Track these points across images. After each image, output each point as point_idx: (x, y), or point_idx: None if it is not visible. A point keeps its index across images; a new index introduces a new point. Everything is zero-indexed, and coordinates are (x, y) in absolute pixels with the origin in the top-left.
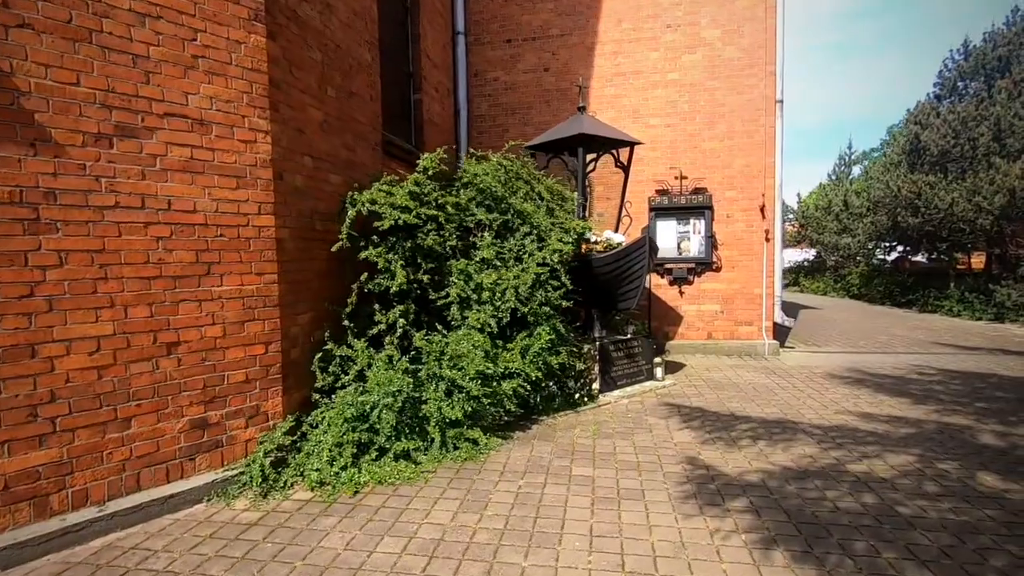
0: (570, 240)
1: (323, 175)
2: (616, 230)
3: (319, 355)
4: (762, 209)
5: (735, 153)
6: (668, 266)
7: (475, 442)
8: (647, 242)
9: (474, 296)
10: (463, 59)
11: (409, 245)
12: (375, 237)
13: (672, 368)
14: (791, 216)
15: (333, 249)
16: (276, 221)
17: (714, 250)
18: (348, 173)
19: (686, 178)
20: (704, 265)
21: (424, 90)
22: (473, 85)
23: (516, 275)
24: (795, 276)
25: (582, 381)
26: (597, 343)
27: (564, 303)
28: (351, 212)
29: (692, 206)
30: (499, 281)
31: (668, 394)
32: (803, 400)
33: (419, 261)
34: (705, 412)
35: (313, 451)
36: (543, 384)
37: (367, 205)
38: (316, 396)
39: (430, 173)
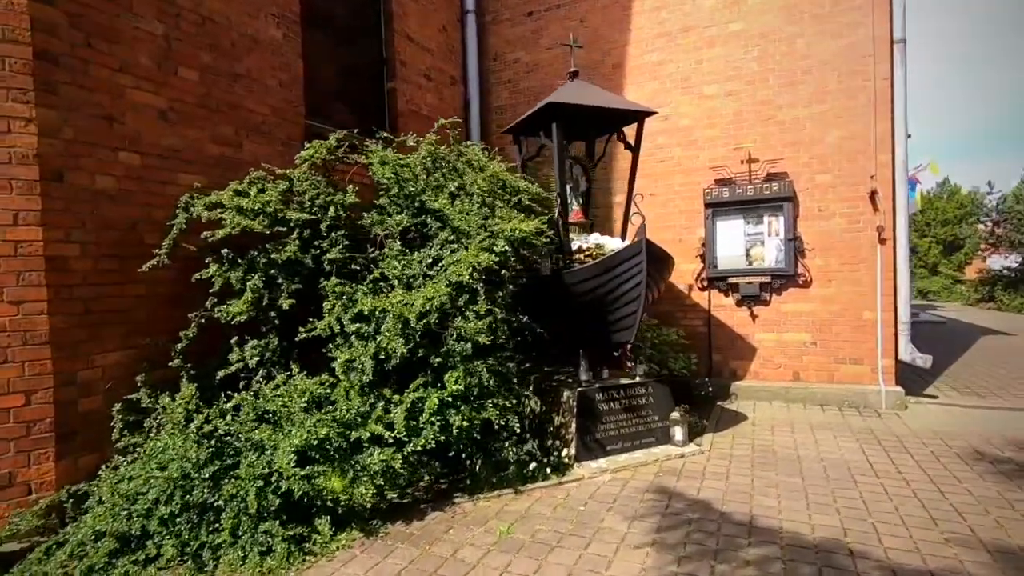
0: (502, 247)
1: (164, 175)
2: (622, 233)
3: (119, 406)
4: (872, 197)
5: (828, 122)
6: (733, 280)
7: (299, 540)
8: (644, 248)
9: (352, 328)
10: (474, 41)
11: (264, 261)
12: (226, 250)
13: (726, 421)
14: (985, 212)
15: (144, 268)
16: (48, 234)
17: (799, 257)
18: (224, 174)
19: (756, 161)
20: (785, 278)
21: (402, 78)
22: (492, 71)
23: (412, 299)
24: (989, 289)
25: (551, 442)
26: (577, 391)
27: (482, 338)
28: (181, 219)
29: (765, 198)
30: (385, 308)
31: (676, 470)
32: (899, 502)
33: (279, 281)
34: (708, 511)
35: (66, 542)
36: (467, 450)
37: (204, 211)
38: (118, 460)
39: (305, 167)
